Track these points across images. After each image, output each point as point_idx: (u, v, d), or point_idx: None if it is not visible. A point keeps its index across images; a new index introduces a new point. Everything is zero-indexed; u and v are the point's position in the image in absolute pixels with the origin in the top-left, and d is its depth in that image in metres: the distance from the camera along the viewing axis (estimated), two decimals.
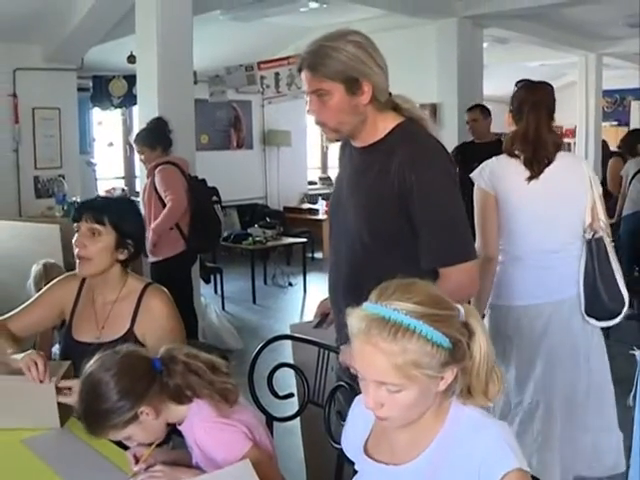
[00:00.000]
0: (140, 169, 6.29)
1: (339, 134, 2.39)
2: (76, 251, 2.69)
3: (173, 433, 2.28)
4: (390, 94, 2.38)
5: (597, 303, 3.26)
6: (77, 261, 2.71)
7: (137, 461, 2.10)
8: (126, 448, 2.17)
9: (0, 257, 6.31)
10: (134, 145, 5.75)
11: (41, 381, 2.40)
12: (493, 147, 4.70)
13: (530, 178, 3.24)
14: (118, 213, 2.73)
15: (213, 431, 2.07)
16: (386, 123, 2.36)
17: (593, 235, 3.26)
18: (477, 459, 1.58)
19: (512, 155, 3.31)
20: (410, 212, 2.27)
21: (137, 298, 2.72)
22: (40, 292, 2.88)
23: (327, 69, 2.24)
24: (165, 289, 2.83)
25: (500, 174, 3.32)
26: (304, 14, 8.52)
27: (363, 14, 8.84)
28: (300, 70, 2.32)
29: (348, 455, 1.92)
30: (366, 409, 1.65)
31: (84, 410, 2.04)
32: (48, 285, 2.90)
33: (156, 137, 5.50)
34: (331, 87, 2.25)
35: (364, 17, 9.08)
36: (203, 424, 2.08)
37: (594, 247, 3.26)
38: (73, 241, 2.69)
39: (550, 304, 3.27)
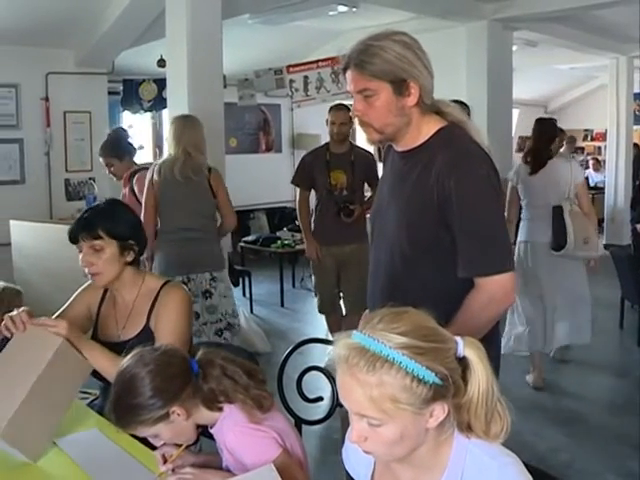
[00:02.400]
0: None
1: (383, 136, 2.32)
2: (85, 270, 2.73)
3: (203, 435, 2.29)
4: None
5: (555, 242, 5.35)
6: (89, 276, 2.77)
7: (165, 462, 2.12)
8: (153, 448, 2.19)
9: (31, 259, 6.40)
10: (100, 159, 5.72)
11: (24, 325, 2.46)
12: None
13: (530, 174, 5.43)
14: (110, 221, 2.75)
15: (244, 436, 2.07)
16: (429, 127, 2.31)
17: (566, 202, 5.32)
18: None
19: (525, 162, 5.51)
20: (448, 220, 2.21)
21: (154, 296, 2.77)
22: (71, 299, 2.92)
23: (375, 68, 2.19)
24: (183, 287, 2.88)
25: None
26: (333, 17, 8.51)
27: (392, 17, 8.81)
28: (345, 69, 2.27)
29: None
30: (351, 443, 1.59)
31: (116, 402, 2.05)
32: (77, 291, 2.94)
33: (121, 147, 5.60)
34: (378, 87, 2.21)
35: (393, 20, 9.05)
36: (234, 428, 2.08)
37: (557, 211, 5.31)
38: (80, 262, 2.72)
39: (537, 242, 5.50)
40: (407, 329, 1.49)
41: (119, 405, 2.04)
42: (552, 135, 5.45)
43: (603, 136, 13.77)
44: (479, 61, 8.75)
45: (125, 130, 5.76)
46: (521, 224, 5.68)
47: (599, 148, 16.83)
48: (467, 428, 1.57)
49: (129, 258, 2.77)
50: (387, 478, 1.70)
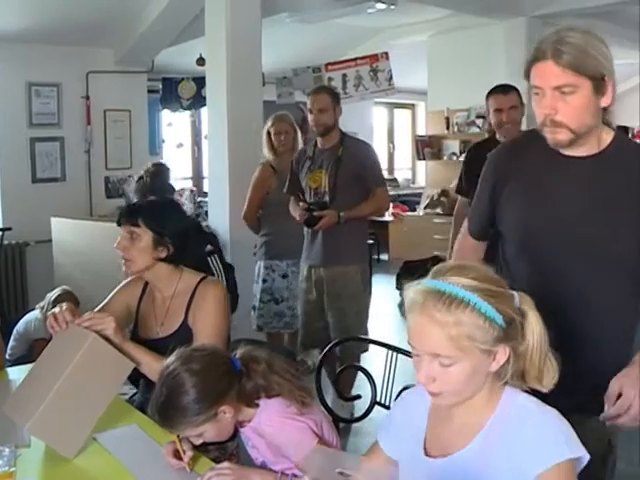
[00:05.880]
0: (208, 170, 6.35)
1: (575, 137, 2.07)
2: (119, 254, 2.79)
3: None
4: None
5: None
6: (122, 266, 2.82)
7: (177, 456, 2.14)
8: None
9: (72, 256, 6.47)
10: (133, 197, 5.55)
11: (67, 323, 2.47)
12: None
13: None
14: (153, 214, 2.80)
15: (282, 425, 2.10)
16: (607, 131, 2.15)
17: None
18: (529, 445, 1.58)
19: None
20: None
21: (192, 292, 2.79)
22: (110, 295, 2.96)
23: (578, 62, 1.97)
24: (219, 283, 2.89)
25: None
26: (371, 15, 8.48)
27: (431, 14, 8.79)
28: (535, 61, 2.04)
29: (384, 448, 1.90)
30: (418, 384, 1.69)
31: (164, 404, 2.06)
32: (116, 288, 2.98)
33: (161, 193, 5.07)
34: (580, 83, 1.99)
35: (432, 18, 9.04)
36: (271, 418, 2.11)
37: None
38: (115, 245, 2.78)
39: None
40: (476, 275, 1.63)
41: (167, 406, 2.06)
42: None
43: None
44: (518, 59, 8.54)
45: (167, 168, 5.57)
46: None
47: None
48: (521, 376, 1.69)
49: (162, 254, 2.79)
50: (439, 427, 1.76)
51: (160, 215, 2.83)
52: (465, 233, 2.57)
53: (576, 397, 2.00)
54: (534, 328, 1.66)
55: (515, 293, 1.67)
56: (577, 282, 2.15)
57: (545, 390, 1.69)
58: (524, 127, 4.85)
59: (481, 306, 1.58)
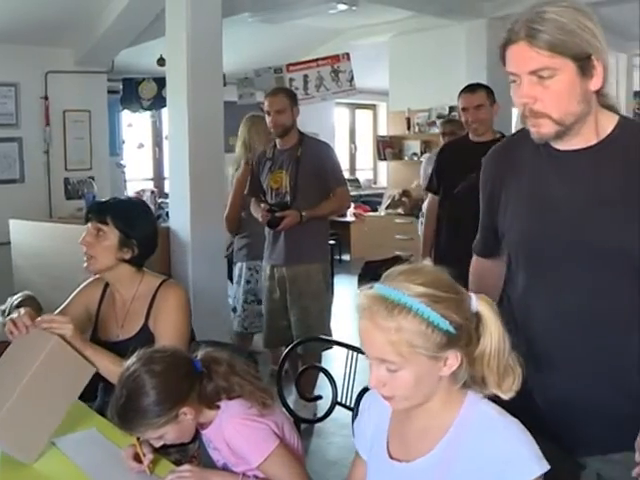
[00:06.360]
0: (169, 171, 6.32)
1: (561, 128, 1.80)
2: (83, 249, 2.77)
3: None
4: None
5: None
6: (84, 263, 2.80)
7: (135, 459, 2.14)
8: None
9: (31, 258, 6.39)
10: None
11: (27, 328, 2.44)
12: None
13: None
14: (122, 214, 2.79)
15: (242, 427, 2.09)
16: (607, 118, 1.87)
17: None
18: (497, 461, 1.56)
19: None
20: None
21: (153, 294, 2.77)
22: (70, 297, 2.93)
23: (556, 40, 1.70)
24: (181, 285, 2.89)
25: None
26: (333, 16, 8.50)
27: (392, 16, 8.83)
28: (508, 44, 1.79)
29: (360, 452, 1.90)
30: (371, 389, 1.69)
31: (124, 406, 2.04)
32: (76, 290, 2.96)
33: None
34: (560, 65, 1.72)
35: (393, 19, 9.08)
36: (232, 420, 2.10)
37: None
38: (79, 240, 2.76)
39: None
40: (425, 280, 1.59)
41: (127, 408, 2.04)
42: None
43: None
44: (478, 59, 8.73)
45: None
46: None
47: None
48: (481, 381, 1.65)
49: (126, 256, 2.77)
50: (401, 429, 1.75)
51: (130, 216, 2.82)
52: (474, 256, 2.34)
53: (593, 431, 1.88)
54: (492, 333, 1.63)
55: (473, 296, 1.64)
56: (583, 295, 1.87)
57: (505, 397, 1.64)
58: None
59: (424, 312, 1.55)
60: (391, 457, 1.75)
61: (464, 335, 1.60)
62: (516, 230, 1.99)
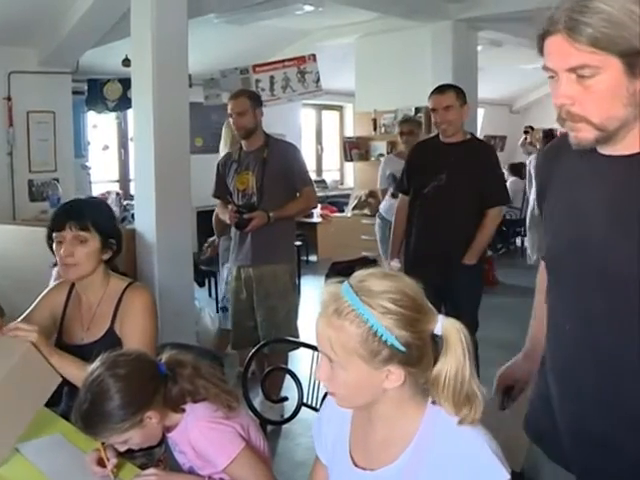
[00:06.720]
0: (134, 172, 6.28)
1: (602, 134, 1.52)
2: (63, 259, 2.69)
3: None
4: None
5: None
6: (61, 267, 2.73)
7: (101, 463, 2.12)
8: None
9: None
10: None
11: None
12: (471, 148, 4.60)
13: None
14: (99, 216, 2.77)
15: (207, 430, 2.09)
16: None
17: None
18: (461, 470, 1.54)
19: None
20: None
21: (119, 297, 2.75)
22: (35, 302, 2.89)
23: (600, 35, 1.42)
24: (147, 288, 2.87)
25: None
26: (299, 17, 8.52)
27: (358, 17, 8.86)
28: (548, 33, 1.51)
29: (321, 457, 1.90)
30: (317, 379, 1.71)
31: (88, 410, 2.02)
32: (41, 295, 2.92)
33: None
34: (604, 63, 1.44)
35: (359, 20, 9.11)
36: (198, 423, 2.09)
37: None
38: (60, 251, 2.68)
39: None
40: (387, 291, 1.56)
41: (91, 413, 2.02)
42: None
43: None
44: (444, 61, 8.81)
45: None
46: None
47: None
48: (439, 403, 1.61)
49: (106, 256, 2.76)
50: (364, 438, 1.73)
51: (106, 216, 2.83)
52: (541, 270, 2.06)
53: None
54: (450, 359, 1.56)
55: (441, 319, 1.57)
56: (595, 326, 1.59)
57: (463, 424, 1.56)
58: None
59: (370, 321, 1.52)
60: (355, 465, 1.73)
61: (414, 354, 1.54)
62: (547, 245, 1.76)
